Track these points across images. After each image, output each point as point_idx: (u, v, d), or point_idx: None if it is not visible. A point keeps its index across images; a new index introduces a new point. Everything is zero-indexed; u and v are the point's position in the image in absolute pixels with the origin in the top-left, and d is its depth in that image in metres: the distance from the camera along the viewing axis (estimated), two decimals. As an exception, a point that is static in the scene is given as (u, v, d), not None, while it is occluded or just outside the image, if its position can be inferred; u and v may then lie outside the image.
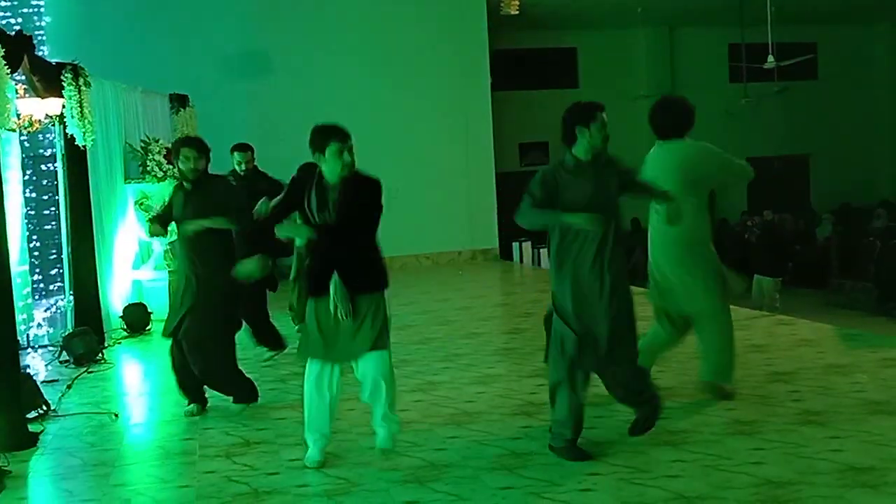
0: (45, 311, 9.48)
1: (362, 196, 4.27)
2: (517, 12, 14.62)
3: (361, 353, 4.33)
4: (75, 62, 8.22)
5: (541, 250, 14.02)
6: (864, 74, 19.92)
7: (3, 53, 6.15)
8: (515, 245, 14.50)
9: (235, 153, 7.20)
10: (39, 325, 8.36)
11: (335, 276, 4.25)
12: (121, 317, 8.90)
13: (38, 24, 11.40)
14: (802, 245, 16.66)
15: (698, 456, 4.30)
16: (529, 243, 14.31)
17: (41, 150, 8.63)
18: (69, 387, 6.55)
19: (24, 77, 7.58)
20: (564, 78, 18.68)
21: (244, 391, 5.67)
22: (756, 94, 17.41)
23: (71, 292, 8.34)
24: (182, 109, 11.00)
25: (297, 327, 6.24)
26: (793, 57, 16.28)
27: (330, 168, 4.25)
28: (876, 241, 14.16)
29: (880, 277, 13.25)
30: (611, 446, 4.51)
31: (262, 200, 5.97)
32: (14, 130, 7.34)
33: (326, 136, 4.24)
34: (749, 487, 3.86)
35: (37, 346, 8.04)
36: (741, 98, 17.40)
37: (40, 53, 9.48)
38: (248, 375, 5.76)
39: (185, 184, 5.49)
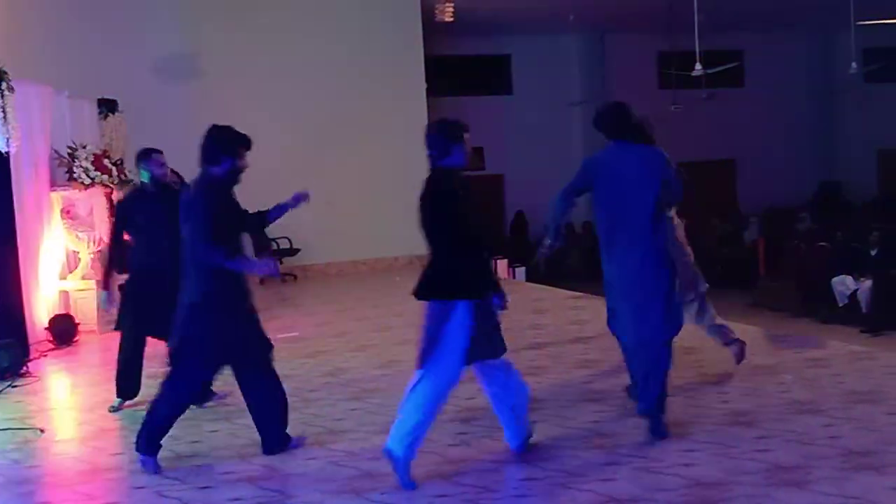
0: (-33, 323, 9.12)
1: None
2: (452, 19, 14.66)
3: None
4: (-2, 66, 7.96)
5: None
6: (788, 82, 20.56)
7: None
8: (452, 250, 14.50)
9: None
10: (-39, 337, 8.07)
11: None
12: (47, 328, 8.64)
13: (-42, 26, 11.01)
14: (730, 247, 17.11)
15: (630, 458, 4.37)
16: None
17: (-38, 157, 8.38)
18: (-8, 402, 6.35)
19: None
20: (499, 84, 18.86)
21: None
22: (685, 101, 17.79)
23: (-6, 303, 8.09)
24: (111, 114, 10.73)
25: None
26: (721, 64, 16.69)
27: (461, 159, 4.23)
28: (800, 244, 14.60)
29: (804, 279, 13.67)
30: (545, 451, 4.56)
31: None
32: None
33: (460, 127, 4.21)
34: (679, 489, 3.94)
35: (-42, 359, 7.73)
36: (671, 104, 17.76)
37: (-40, 57, 9.17)
38: None
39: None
